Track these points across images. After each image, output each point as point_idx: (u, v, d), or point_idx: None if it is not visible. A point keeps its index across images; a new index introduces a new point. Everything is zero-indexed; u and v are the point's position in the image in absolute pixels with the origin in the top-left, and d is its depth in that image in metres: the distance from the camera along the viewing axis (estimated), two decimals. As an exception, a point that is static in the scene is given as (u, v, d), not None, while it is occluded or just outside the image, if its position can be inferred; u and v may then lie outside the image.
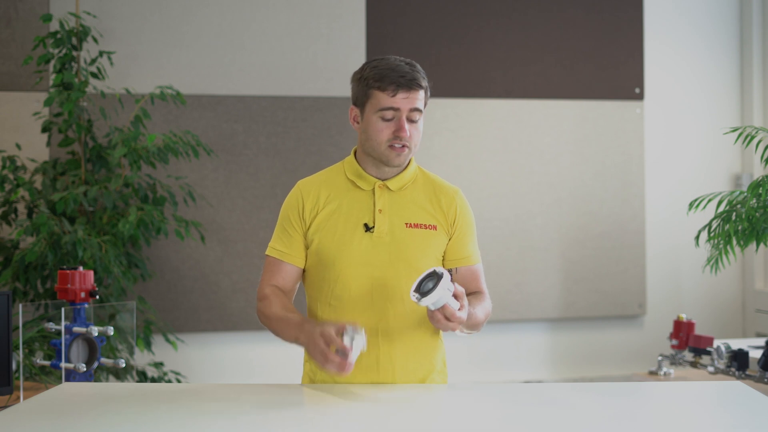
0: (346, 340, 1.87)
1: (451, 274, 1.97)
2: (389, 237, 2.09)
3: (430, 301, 1.89)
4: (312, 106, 4.17)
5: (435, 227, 2.14)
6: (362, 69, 2.12)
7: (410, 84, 2.05)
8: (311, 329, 1.93)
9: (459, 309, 1.91)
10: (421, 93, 2.08)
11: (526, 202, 4.41)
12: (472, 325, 2.07)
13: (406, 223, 2.12)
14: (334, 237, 2.10)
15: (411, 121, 2.07)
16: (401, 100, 2.05)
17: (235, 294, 4.09)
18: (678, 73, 4.65)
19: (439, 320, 1.90)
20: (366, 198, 2.14)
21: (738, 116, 4.68)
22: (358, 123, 2.13)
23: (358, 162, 2.16)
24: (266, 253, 2.18)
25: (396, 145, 2.07)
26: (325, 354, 1.87)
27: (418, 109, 2.07)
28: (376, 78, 2.07)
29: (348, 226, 2.11)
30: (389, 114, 2.06)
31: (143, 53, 4.05)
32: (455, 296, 1.92)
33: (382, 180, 2.14)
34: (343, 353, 1.86)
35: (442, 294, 1.88)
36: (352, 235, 2.10)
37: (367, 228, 2.10)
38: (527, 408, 1.89)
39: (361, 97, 2.11)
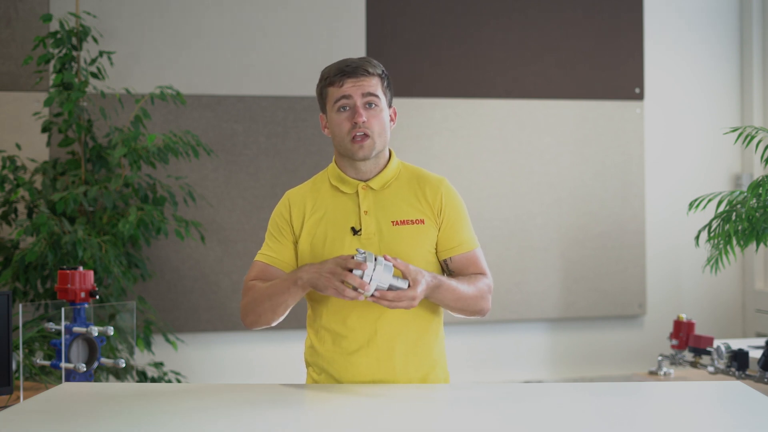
0: (366, 276, 1.91)
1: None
2: (377, 237, 2.10)
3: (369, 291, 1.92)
4: (312, 106, 4.17)
5: (422, 221, 2.14)
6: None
7: (356, 71, 2.10)
8: (317, 265, 1.98)
9: (409, 283, 1.96)
10: (374, 80, 2.11)
11: (526, 202, 4.41)
12: (456, 299, 2.07)
13: (393, 221, 2.12)
14: (324, 244, 2.11)
15: (368, 108, 2.10)
16: (350, 87, 2.09)
17: (235, 294, 4.09)
18: (678, 73, 4.64)
19: (387, 305, 1.95)
20: (351, 201, 2.15)
21: (738, 116, 4.68)
22: (327, 129, 2.18)
23: (338, 167, 2.18)
24: (255, 259, 2.19)
25: (357, 135, 2.09)
26: (339, 288, 1.93)
27: (371, 94, 2.10)
28: (325, 76, 2.14)
29: (336, 232, 2.12)
30: (344, 103, 2.10)
31: (143, 53, 4.05)
32: (402, 273, 1.97)
33: (364, 181, 2.16)
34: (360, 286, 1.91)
35: (376, 278, 1.91)
36: (342, 240, 2.11)
37: (355, 231, 2.11)
38: (527, 408, 1.89)
39: (321, 102, 2.17)
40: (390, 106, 2.18)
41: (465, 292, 2.09)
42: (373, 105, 2.10)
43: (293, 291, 2.04)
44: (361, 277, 1.91)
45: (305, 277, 2.00)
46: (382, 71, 2.15)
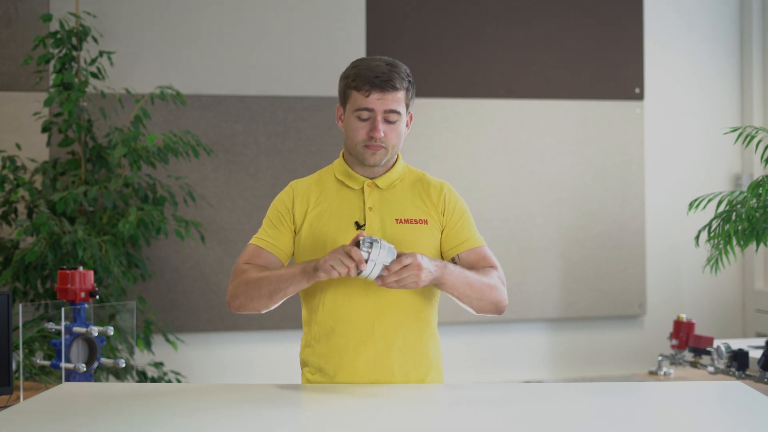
0: (371, 258, 1.92)
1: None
2: (380, 234, 2.10)
3: (368, 271, 1.93)
4: (312, 106, 4.17)
5: (426, 221, 2.14)
6: (347, 68, 2.15)
7: (384, 85, 2.07)
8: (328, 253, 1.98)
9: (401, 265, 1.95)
10: (399, 94, 2.09)
11: (526, 202, 4.41)
12: (469, 284, 2.06)
13: (397, 219, 2.13)
14: (326, 237, 2.11)
15: (388, 122, 2.09)
16: (375, 100, 2.07)
17: (235, 294, 4.09)
18: (678, 73, 4.65)
19: (391, 285, 1.95)
20: (356, 197, 2.15)
21: (738, 116, 4.68)
22: (342, 121, 2.17)
23: (345, 162, 2.18)
24: (250, 242, 2.18)
25: (371, 145, 2.08)
26: (335, 264, 1.93)
27: (394, 111, 2.08)
28: (353, 78, 2.10)
29: (340, 225, 2.11)
30: (365, 114, 2.09)
31: (143, 53, 4.05)
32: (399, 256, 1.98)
33: (371, 179, 2.16)
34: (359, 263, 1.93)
35: (380, 260, 1.92)
36: (344, 234, 2.11)
37: (358, 226, 2.12)
38: (527, 408, 1.89)
39: (342, 97, 2.15)
40: (408, 112, 2.17)
41: (477, 279, 2.08)
42: (394, 120, 2.10)
43: (298, 278, 2.03)
44: (366, 261, 1.92)
45: (312, 263, 2.00)
46: (409, 83, 2.12)
